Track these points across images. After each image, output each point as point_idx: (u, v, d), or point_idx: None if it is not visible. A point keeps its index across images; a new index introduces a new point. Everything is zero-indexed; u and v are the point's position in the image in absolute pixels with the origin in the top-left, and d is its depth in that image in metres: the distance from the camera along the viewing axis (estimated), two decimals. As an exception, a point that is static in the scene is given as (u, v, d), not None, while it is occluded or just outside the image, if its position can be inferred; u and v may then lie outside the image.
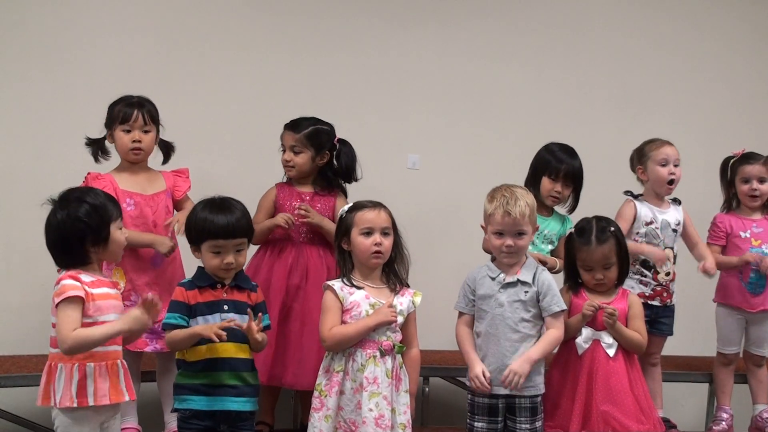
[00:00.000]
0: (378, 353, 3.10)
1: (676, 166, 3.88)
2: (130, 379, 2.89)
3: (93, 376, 2.77)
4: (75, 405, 2.75)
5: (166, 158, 3.74)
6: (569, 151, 3.80)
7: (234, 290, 3.13)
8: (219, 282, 3.11)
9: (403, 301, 3.19)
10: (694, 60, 5.02)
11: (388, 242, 3.17)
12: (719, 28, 5.06)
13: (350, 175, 3.83)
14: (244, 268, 3.24)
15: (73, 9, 4.38)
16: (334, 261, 3.68)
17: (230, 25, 4.59)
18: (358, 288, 3.17)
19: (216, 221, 3.06)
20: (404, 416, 3.13)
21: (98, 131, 3.67)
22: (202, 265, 3.15)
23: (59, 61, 4.35)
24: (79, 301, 2.74)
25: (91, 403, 2.76)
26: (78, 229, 2.79)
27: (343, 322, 3.14)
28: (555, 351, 3.49)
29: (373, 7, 4.74)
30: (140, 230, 3.54)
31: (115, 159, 3.69)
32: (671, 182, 3.87)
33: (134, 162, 3.62)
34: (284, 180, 3.82)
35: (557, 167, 3.73)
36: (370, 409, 3.05)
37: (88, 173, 3.60)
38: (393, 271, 3.24)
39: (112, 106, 3.63)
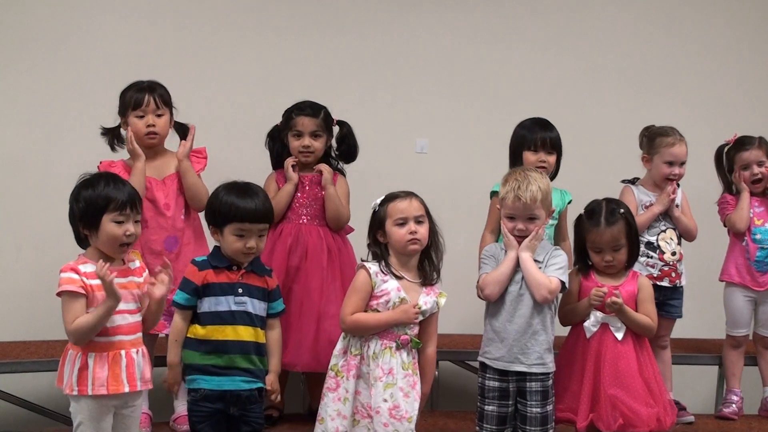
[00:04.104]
0: (394, 345, 3.11)
1: (681, 165, 3.86)
2: (135, 370, 2.85)
3: (92, 365, 2.78)
4: (75, 393, 2.78)
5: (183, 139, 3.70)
6: (542, 122, 3.77)
7: (251, 274, 3.14)
8: (236, 264, 3.11)
9: (428, 301, 3.16)
10: (702, 43, 4.99)
11: (423, 230, 3.13)
12: (727, 11, 5.03)
13: (354, 155, 3.82)
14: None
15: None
16: (333, 241, 3.69)
17: (237, 8, 4.58)
18: (395, 276, 3.14)
19: (242, 205, 3.07)
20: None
21: (110, 117, 3.67)
22: (217, 245, 3.14)
23: (66, 47, 4.36)
24: (77, 294, 2.76)
25: (89, 392, 2.77)
26: (73, 209, 2.85)
27: (369, 306, 3.13)
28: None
29: (381, -10, 4.74)
30: (152, 214, 3.54)
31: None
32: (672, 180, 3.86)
33: (150, 146, 3.61)
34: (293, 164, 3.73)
35: (534, 138, 3.70)
36: (385, 400, 3.05)
37: (101, 162, 3.60)
38: (429, 258, 3.21)
39: (123, 93, 3.62)
